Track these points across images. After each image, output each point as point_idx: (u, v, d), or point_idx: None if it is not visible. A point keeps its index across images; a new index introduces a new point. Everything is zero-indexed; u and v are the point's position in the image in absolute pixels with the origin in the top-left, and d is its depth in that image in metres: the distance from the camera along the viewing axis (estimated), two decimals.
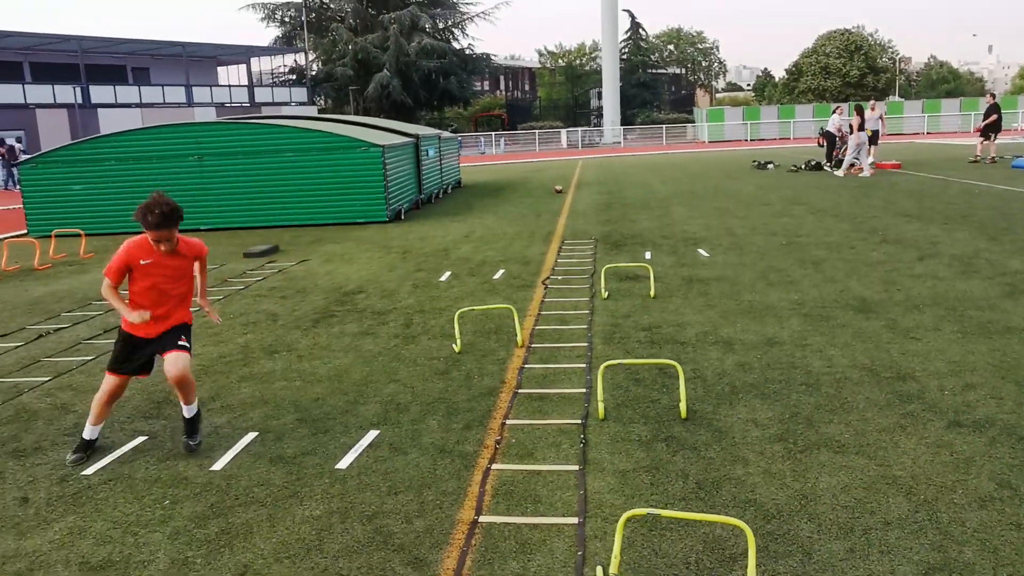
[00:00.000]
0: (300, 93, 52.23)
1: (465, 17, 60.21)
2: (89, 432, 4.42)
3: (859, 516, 3.37)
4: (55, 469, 4.26)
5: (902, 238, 10.13)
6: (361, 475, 4.01)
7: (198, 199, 14.55)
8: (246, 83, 52.50)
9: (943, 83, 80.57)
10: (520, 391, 5.13)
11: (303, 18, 53.60)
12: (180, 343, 4.32)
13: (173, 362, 4.24)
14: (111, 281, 4.26)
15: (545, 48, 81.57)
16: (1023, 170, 18.69)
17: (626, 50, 70.10)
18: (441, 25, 59.00)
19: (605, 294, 7.72)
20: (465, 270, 9.48)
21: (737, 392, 4.92)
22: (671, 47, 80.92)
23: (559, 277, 8.76)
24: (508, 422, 4.61)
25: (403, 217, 15.31)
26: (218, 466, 4.19)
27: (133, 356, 4.35)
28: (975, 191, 15.05)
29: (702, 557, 3.12)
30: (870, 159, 19.94)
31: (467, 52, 59.59)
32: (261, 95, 50.11)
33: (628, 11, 70.33)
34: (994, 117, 21.11)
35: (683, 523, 3.37)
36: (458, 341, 6.21)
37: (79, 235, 13.45)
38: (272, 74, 59.51)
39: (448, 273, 9.31)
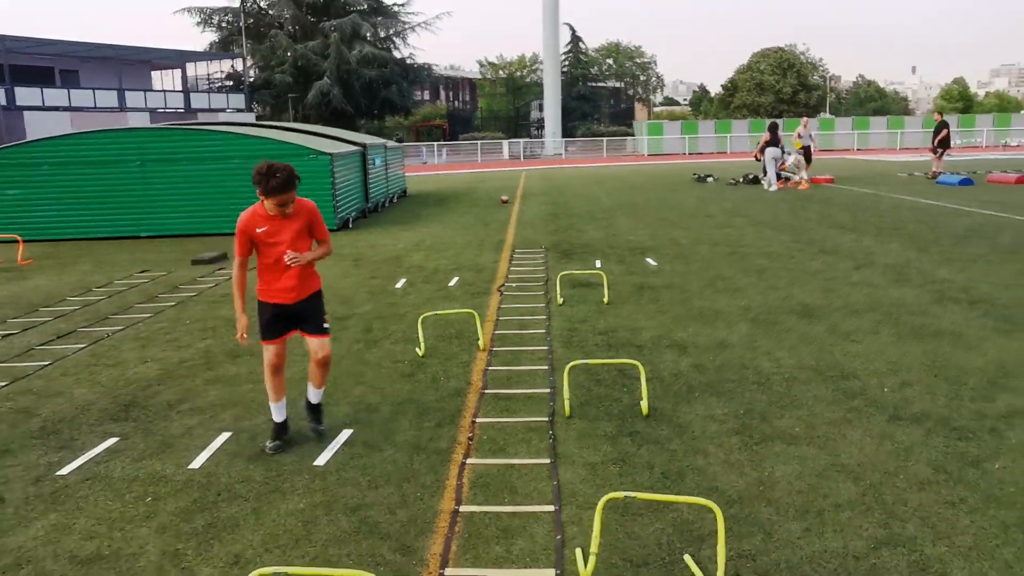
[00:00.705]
0: (238, 99, 51.43)
1: (406, 26, 60.12)
2: (276, 412, 4.50)
3: (813, 499, 3.65)
4: (27, 470, 4.27)
5: (839, 248, 10.64)
6: (340, 471, 4.13)
7: (140, 205, 14.40)
8: (181, 88, 51.52)
9: (871, 101, 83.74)
10: (487, 391, 5.31)
11: (241, 23, 52.84)
12: (324, 326, 4.52)
13: (321, 346, 4.48)
14: (239, 259, 4.35)
15: (486, 59, 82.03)
16: (948, 186, 19.68)
17: (566, 63, 71.00)
18: (382, 34, 58.81)
19: (560, 300, 7.95)
20: (420, 277, 9.61)
21: (694, 391, 5.19)
22: (610, 61, 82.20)
23: (513, 284, 8.97)
24: (478, 420, 4.79)
25: (351, 225, 15.34)
26: (196, 464, 4.26)
27: (277, 322, 4.44)
28: (905, 205, 15.81)
29: (672, 538, 3.35)
30: (804, 173, 20.74)
31: (408, 61, 59.54)
32: (197, 101, 49.16)
33: (569, 24, 71.35)
34: (944, 132, 22.18)
35: (654, 508, 3.59)
36: (422, 345, 6.36)
37: (16, 241, 13.12)
38: (208, 80, 58.44)
39: (403, 280, 9.43)
